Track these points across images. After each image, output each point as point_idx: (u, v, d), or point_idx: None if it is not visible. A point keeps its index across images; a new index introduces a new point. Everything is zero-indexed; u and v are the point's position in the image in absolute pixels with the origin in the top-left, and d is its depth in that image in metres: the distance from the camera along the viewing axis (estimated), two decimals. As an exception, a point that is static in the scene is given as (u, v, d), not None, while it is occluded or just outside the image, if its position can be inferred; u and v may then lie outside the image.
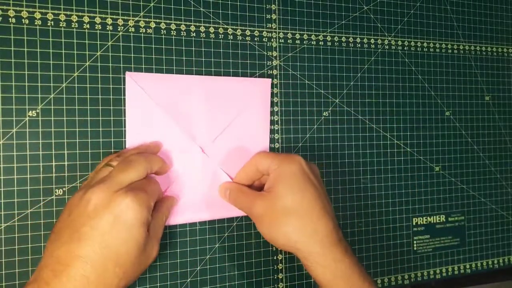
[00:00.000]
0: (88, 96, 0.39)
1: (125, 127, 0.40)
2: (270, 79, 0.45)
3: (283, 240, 0.36)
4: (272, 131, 0.46)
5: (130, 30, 0.41)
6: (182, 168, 0.41)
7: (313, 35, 0.48)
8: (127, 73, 0.40)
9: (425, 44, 0.53)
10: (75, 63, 0.39)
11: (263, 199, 0.37)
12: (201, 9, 0.43)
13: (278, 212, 0.36)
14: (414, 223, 0.52)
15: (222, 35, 0.44)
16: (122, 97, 0.40)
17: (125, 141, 0.40)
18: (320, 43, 0.48)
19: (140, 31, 0.41)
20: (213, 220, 0.43)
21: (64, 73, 0.39)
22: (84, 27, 0.39)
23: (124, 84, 0.40)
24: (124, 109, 0.40)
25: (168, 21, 0.42)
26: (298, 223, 0.36)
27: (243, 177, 0.42)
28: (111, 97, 0.40)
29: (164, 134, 0.41)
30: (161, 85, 0.41)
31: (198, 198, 0.42)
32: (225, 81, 0.43)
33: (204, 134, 0.42)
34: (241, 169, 0.42)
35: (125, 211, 0.31)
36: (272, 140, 0.46)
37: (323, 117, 0.48)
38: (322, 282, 0.36)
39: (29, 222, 0.37)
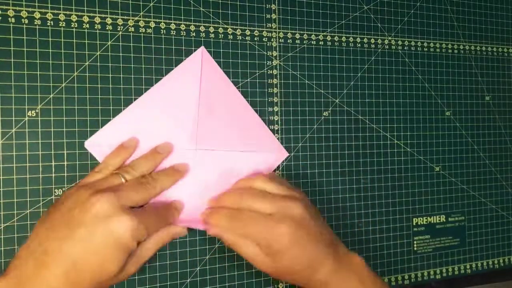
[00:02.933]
0: (88, 96, 0.39)
1: (124, 127, 0.40)
2: (287, 153, 0.46)
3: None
4: (272, 131, 0.45)
5: (129, 30, 0.41)
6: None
7: (313, 35, 0.48)
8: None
9: (425, 44, 0.53)
10: (75, 63, 0.39)
11: (264, 258, 0.37)
12: (201, 9, 0.43)
13: (278, 268, 0.37)
14: (414, 223, 0.52)
15: (222, 35, 0.44)
16: (122, 97, 0.40)
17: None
18: (320, 43, 0.48)
19: (140, 31, 0.41)
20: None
21: (63, 73, 0.38)
22: (84, 27, 0.39)
23: (123, 84, 0.40)
24: (124, 108, 0.40)
25: (168, 21, 0.42)
26: (297, 274, 0.37)
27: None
28: (110, 97, 0.40)
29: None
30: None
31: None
32: (258, 122, 0.44)
33: (207, 142, 0.42)
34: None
35: (121, 233, 0.31)
36: (272, 140, 0.46)
37: (323, 117, 0.48)
38: None
39: (29, 222, 0.37)
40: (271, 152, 0.45)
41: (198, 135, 0.41)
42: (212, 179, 0.42)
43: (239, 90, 0.44)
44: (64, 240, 0.31)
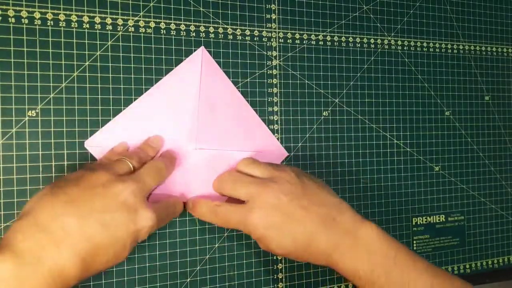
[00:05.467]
0: (88, 96, 0.39)
1: (125, 127, 0.40)
2: (287, 153, 0.46)
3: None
4: (272, 131, 0.46)
5: (129, 30, 0.41)
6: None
7: (313, 35, 0.48)
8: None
9: (425, 44, 0.53)
10: (75, 63, 0.39)
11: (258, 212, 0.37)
12: (201, 9, 0.43)
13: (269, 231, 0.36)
14: (414, 223, 0.52)
15: (222, 35, 0.44)
16: (122, 97, 0.40)
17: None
18: (320, 43, 0.48)
19: (140, 31, 0.41)
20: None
21: (63, 73, 0.38)
22: (84, 27, 0.39)
23: (123, 84, 0.40)
24: (124, 108, 0.40)
25: (168, 21, 0.42)
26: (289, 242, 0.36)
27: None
28: (110, 97, 0.40)
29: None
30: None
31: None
32: (258, 122, 0.44)
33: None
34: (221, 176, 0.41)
35: (143, 227, 0.32)
36: (272, 140, 0.46)
37: (323, 117, 0.48)
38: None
39: (29, 222, 0.37)
40: (270, 152, 0.45)
41: (198, 135, 0.41)
42: (212, 179, 0.42)
43: (239, 90, 0.44)
44: (86, 219, 0.30)
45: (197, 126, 0.41)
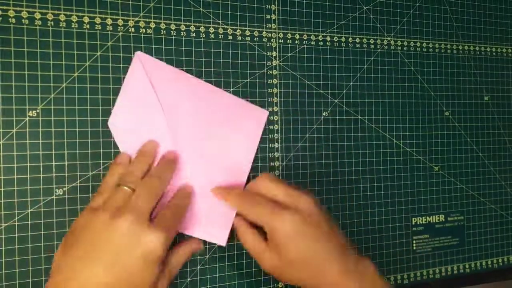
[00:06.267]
0: (88, 96, 0.39)
1: (125, 127, 0.40)
2: (267, 112, 0.45)
3: (295, 285, 0.38)
4: (272, 131, 0.46)
5: (130, 30, 0.41)
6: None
7: (313, 35, 0.48)
8: (137, 53, 0.40)
9: (424, 44, 0.53)
10: (75, 63, 0.39)
11: (270, 253, 0.38)
12: (201, 9, 0.43)
13: (283, 265, 0.37)
14: (413, 223, 0.52)
15: (222, 35, 0.44)
16: (122, 97, 0.40)
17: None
18: (320, 43, 0.48)
19: (140, 31, 0.41)
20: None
21: (64, 73, 0.39)
22: (84, 27, 0.39)
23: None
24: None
25: (168, 21, 0.42)
26: (303, 273, 0.37)
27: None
28: (111, 97, 0.40)
29: (149, 128, 0.40)
30: (167, 77, 0.40)
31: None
32: (227, 98, 0.43)
33: (188, 140, 0.41)
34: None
35: (153, 249, 0.32)
36: (271, 141, 0.46)
37: (322, 117, 0.48)
38: None
39: (29, 222, 0.37)
40: (251, 119, 0.44)
41: (175, 134, 0.40)
42: (205, 174, 0.42)
43: (238, 90, 0.44)
44: (97, 269, 0.31)
45: (169, 127, 0.40)
